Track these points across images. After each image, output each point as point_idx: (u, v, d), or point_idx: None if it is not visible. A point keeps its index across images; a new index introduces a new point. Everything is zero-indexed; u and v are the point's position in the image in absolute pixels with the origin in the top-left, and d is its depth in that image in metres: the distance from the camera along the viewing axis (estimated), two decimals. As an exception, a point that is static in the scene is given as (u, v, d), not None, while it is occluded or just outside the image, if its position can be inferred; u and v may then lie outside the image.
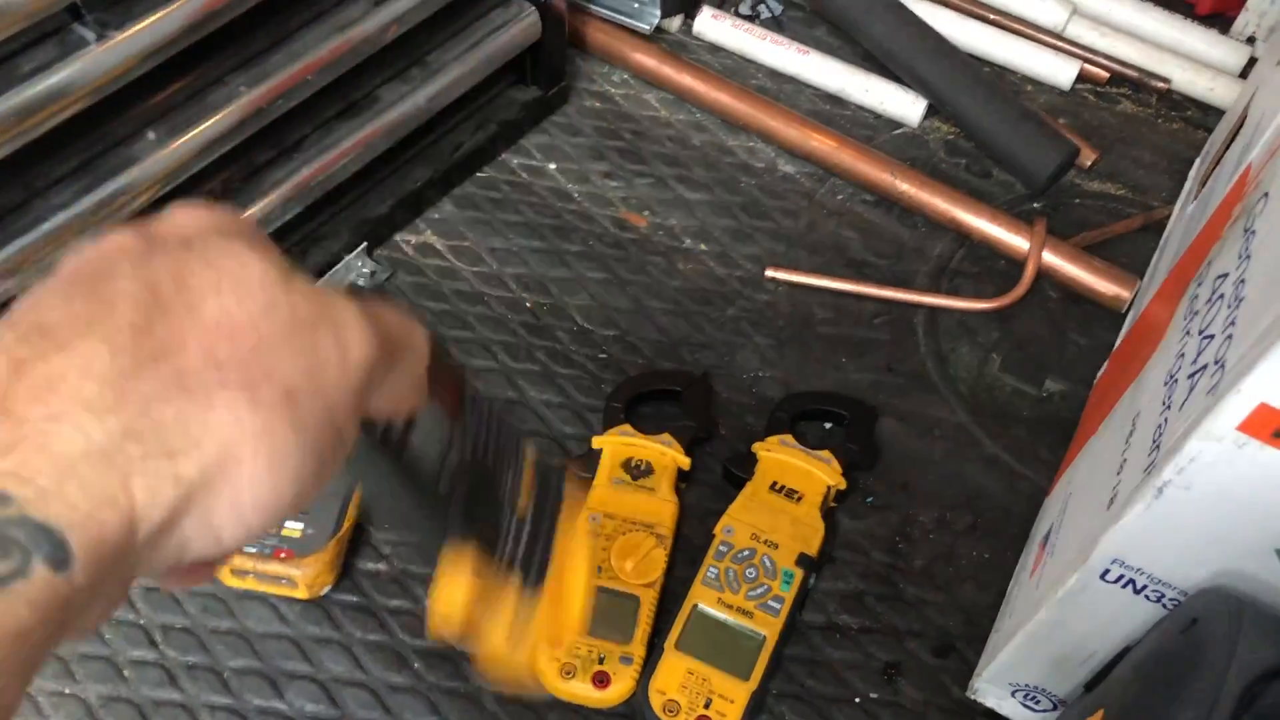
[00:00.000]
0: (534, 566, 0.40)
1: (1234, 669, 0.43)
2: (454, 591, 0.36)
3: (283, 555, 0.66)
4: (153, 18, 0.61)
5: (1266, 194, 0.49)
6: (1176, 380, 0.50)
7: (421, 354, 0.34)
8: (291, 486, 0.29)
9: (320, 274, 0.80)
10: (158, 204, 0.67)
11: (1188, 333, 0.52)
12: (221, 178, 0.73)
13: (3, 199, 0.62)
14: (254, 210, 0.74)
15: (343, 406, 0.30)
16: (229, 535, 0.28)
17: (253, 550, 0.66)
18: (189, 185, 0.69)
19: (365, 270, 0.81)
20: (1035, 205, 0.89)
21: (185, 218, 0.32)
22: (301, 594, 0.67)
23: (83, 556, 0.25)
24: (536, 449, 0.44)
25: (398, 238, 0.85)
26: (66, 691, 0.65)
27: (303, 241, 0.80)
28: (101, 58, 0.60)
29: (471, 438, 0.38)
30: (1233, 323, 0.45)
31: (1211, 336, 0.47)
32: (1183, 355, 0.50)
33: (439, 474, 0.35)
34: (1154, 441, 0.49)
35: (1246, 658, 0.43)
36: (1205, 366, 0.46)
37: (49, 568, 0.25)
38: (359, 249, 0.81)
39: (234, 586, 0.68)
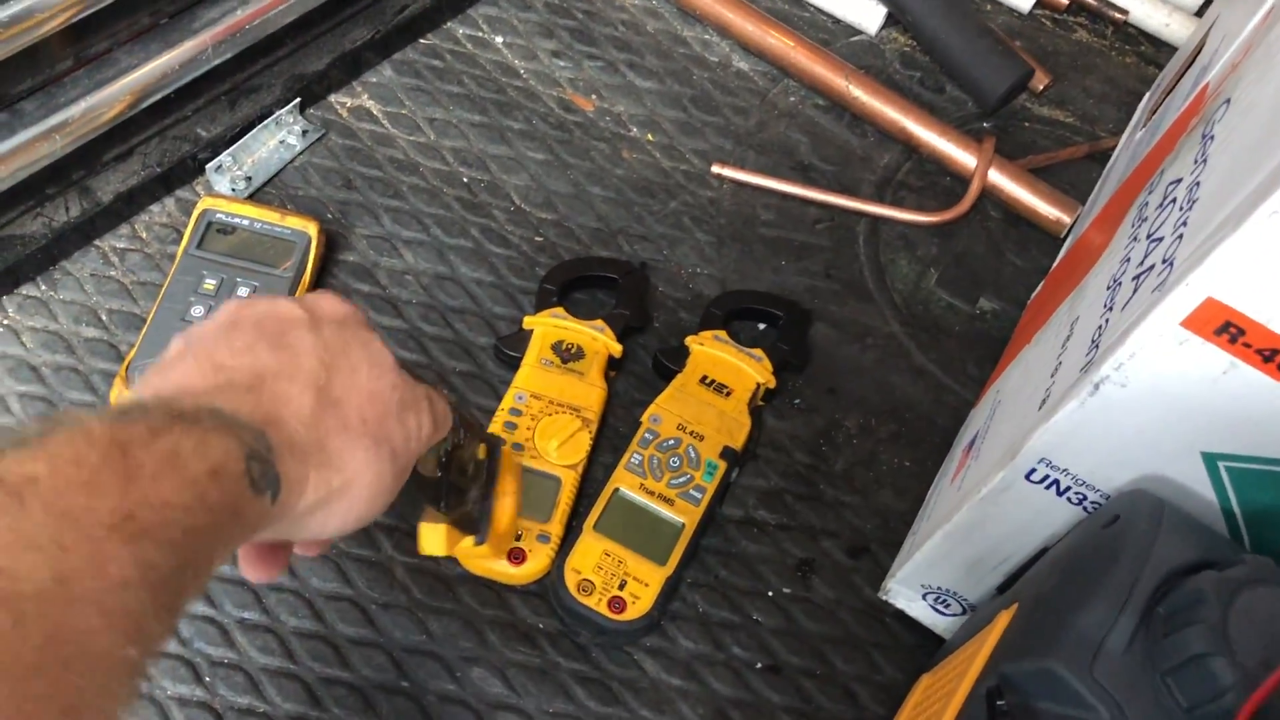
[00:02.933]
0: (484, 521, 0.56)
1: (1151, 563, 0.43)
2: (434, 539, 0.53)
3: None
4: None
5: (1228, 100, 0.48)
6: (1120, 283, 0.50)
7: (447, 425, 0.49)
8: (377, 509, 0.43)
9: (249, 127, 0.76)
10: (77, 27, 0.63)
11: (1135, 238, 0.51)
12: (149, 9, 0.68)
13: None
14: (185, 48, 0.70)
15: (411, 462, 0.45)
16: (333, 530, 0.42)
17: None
18: (113, 10, 0.65)
19: (296, 127, 0.78)
20: (985, 124, 0.88)
21: (331, 305, 0.45)
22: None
23: (280, 499, 0.37)
24: (482, 429, 0.57)
25: (332, 98, 0.81)
26: None
27: (232, 91, 0.76)
28: None
29: (452, 443, 0.52)
30: (1184, 224, 0.45)
31: (1160, 239, 0.47)
32: (1128, 259, 0.50)
33: (435, 475, 0.51)
34: (1093, 342, 0.49)
35: (1163, 554, 0.43)
36: (1153, 267, 0.46)
37: (267, 496, 0.37)
38: (291, 105, 0.78)
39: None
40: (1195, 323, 0.41)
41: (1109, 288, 0.51)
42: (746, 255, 0.79)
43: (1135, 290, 0.46)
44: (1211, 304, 0.40)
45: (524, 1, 0.89)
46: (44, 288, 0.71)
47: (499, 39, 0.86)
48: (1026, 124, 0.89)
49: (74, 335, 0.69)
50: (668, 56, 0.88)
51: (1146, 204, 0.53)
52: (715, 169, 0.83)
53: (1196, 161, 0.48)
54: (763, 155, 0.84)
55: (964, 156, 0.83)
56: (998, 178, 0.82)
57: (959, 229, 0.82)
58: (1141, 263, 0.48)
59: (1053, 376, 0.52)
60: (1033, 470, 0.51)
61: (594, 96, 0.85)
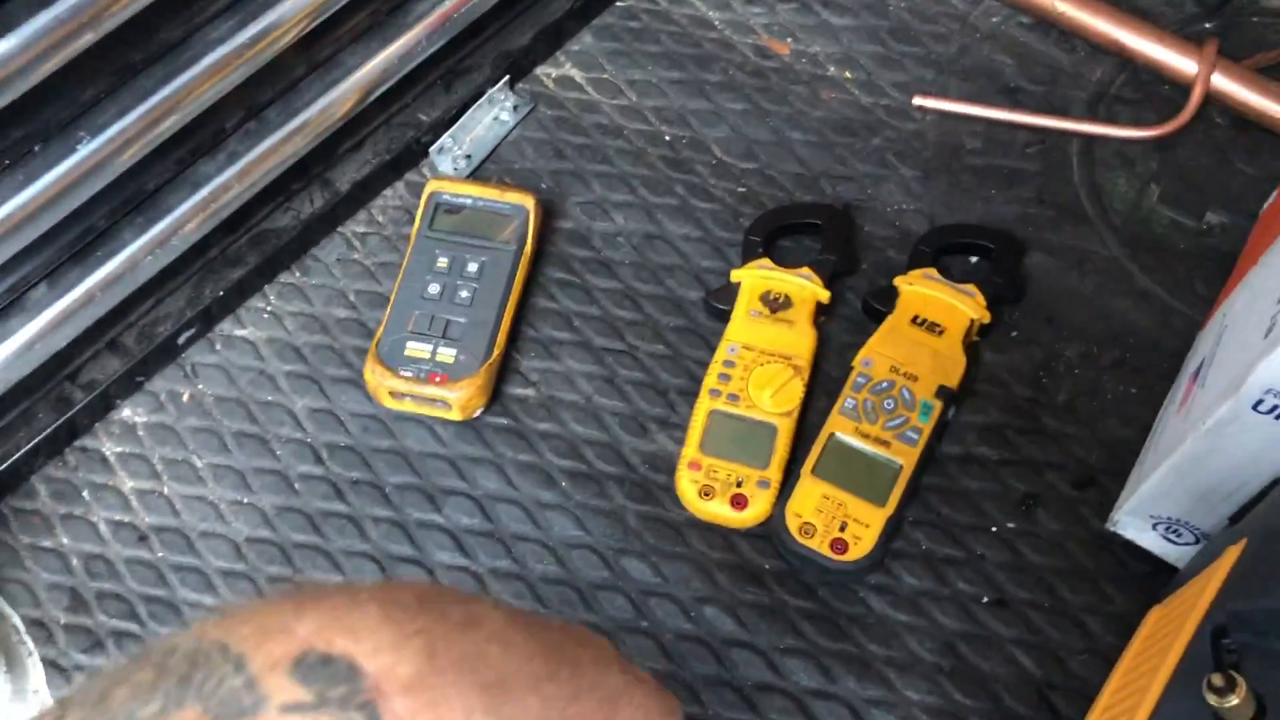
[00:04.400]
0: None
1: (1390, 498, 0.42)
2: None
3: (437, 379, 0.70)
4: None
5: None
6: (1350, 204, 0.47)
7: None
8: None
9: (466, 106, 0.81)
10: (307, 39, 0.69)
11: (1367, 154, 0.49)
12: (368, 10, 0.74)
13: (165, 34, 0.64)
14: (402, 42, 0.75)
15: None
16: None
17: (409, 374, 0.70)
18: (337, 19, 0.71)
19: (507, 103, 0.82)
20: (1207, 25, 0.83)
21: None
22: (455, 415, 0.71)
23: None
24: None
25: (538, 71, 0.85)
26: (244, 500, 0.71)
27: (446, 75, 0.81)
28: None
29: None
30: None
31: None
32: (1359, 177, 0.48)
33: None
34: (1320, 268, 0.47)
35: (1404, 488, 0.42)
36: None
37: None
38: (501, 82, 0.82)
39: (392, 408, 0.72)
40: None
41: (1339, 208, 0.48)
42: (954, 187, 0.79)
43: (1365, 213, 0.44)
44: None
45: (714, -48, 0.89)
46: (298, 275, 0.78)
47: (692, -8, 0.88)
48: (1255, 18, 0.83)
49: (327, 316, 0.76)
50: (862, -11, 0.87)
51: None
52: (917, 101, 0.82)
53: None
54: (966, 82, 0.83)
55: (1183, 63, 0.79)
56: (1222, 82, 0.78)
57: (1181, 140, 0.78)
58: (1372, 182, 0.45)
59: (1279, 303, 0.51)
60: (1259, 401, 0.50)
61: (789, 40, 0.85)
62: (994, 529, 0.67)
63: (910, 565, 0.66)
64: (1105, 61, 0.82)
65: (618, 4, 0.87)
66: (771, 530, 0.67)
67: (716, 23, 0.86)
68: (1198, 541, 0.62)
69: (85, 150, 0.61)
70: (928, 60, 0.83)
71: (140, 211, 0.69)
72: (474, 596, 0.34)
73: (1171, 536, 0.63)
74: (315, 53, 0.72)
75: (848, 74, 0.83)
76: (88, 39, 0.57)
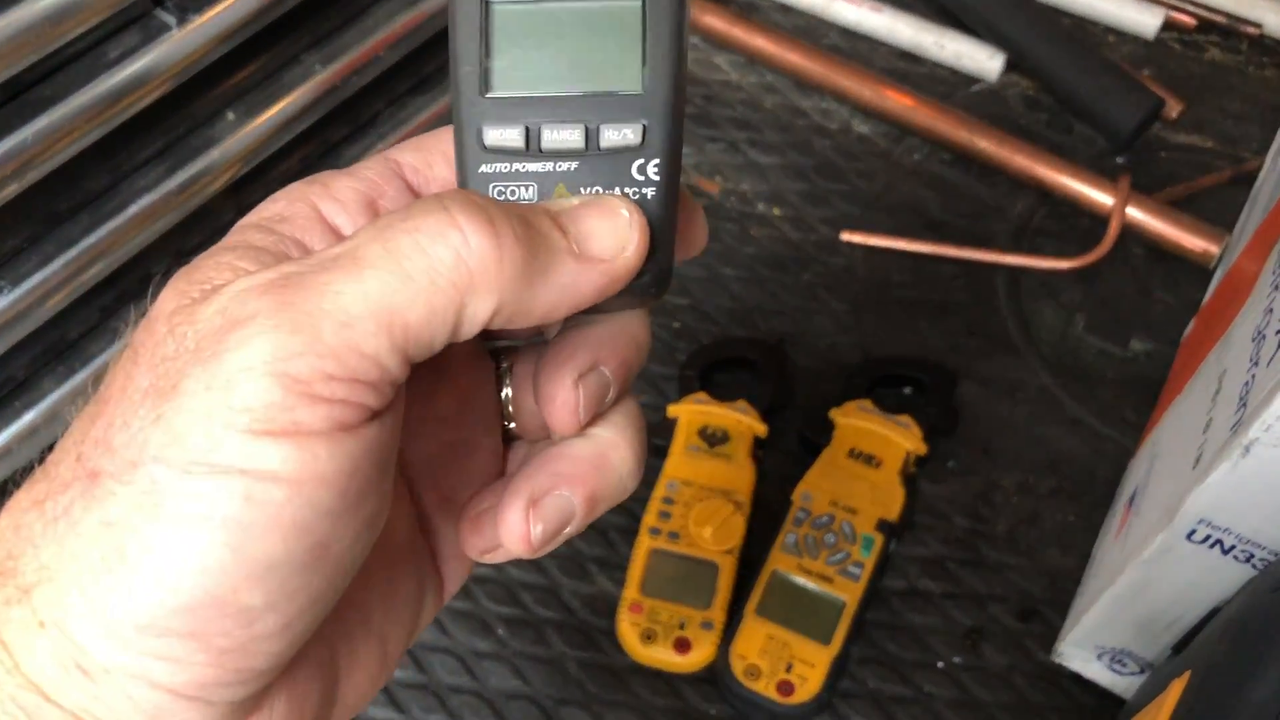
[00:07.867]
0: None
1: (1327, 630, 0.42)
2: None
3: (368, 525, 0.68)
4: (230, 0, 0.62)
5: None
6: (1265, 336, 0.48)
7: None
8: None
9: (398, 249, 0.81)
10: (238, 184, 0.69)
11: (1277, 287, 0.50)
12: (299, 155, 0.74)
13: (92, 183, 0.63)
14: (332, 188, 0.75)
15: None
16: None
17: (339, 520, 0.68)
18: (267, 164, 0.71)
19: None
20: (1119, 160, 0.86)
21: None
22: (387, 562, 0.69)
23: None
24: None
25: (473, 211, 0.85)
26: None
27: (380, 218, 0.81)
28: (182, 42, 0.61)
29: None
30: (1324, 275, 0.44)
31: (1302, 289, 0.46)
32: (1271, 310, 0.49)
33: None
34: (1240, 399, 0.47)
35: (1340, 619, 0.42)
36: (1295, 320, 0.45)
37: None
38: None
39: (322, 556, 0.70)
40: (1343, 381, 0.40)
41: (1254, 340, 0.50)
42: (884, 320, 0.80)
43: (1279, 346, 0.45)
44: (1358, 363, 0.39)
45: (644, 95, 0.92)
46: (228, 419, 0.76)
47: (623, 134, 0.90)
48: (1164, 154, 0.87)
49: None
50: (788, 129, 0.90)
51: (1287, 248, 0.51)
52: (845, 236, 0.83)
53: (1333, 206, 0.46)
54: (892, 217, 0.85)
55: (1100, 196, 0.82)
56: (1137, 214, 0.81)
57: (1102, 270, 0.81)
58: (1285, 314, 0.47)
59: (1204, 433, 0.51)
60: (1193, 531, 0.50)
61: (718, 178, 0.87)
62: (940, 664, 0.66)
63: (858, 705, 0.65)
64: (1026, 195, 0.85)
65: (550, 146, 0.89)
66: (716, 674, 0.65)
67: (648, 163, 0.88)
68: (1143, 671, 0.62)
69: (5, 301, 0.60)
70: (854, 196, 0.86)
71: (62, 360, 0.67)
72: None
73: (1117, 667, 0.63)
74: (244, 197, 0.72)
75: (776, 210, 0.85)
76: (11, 190, 0.57)
